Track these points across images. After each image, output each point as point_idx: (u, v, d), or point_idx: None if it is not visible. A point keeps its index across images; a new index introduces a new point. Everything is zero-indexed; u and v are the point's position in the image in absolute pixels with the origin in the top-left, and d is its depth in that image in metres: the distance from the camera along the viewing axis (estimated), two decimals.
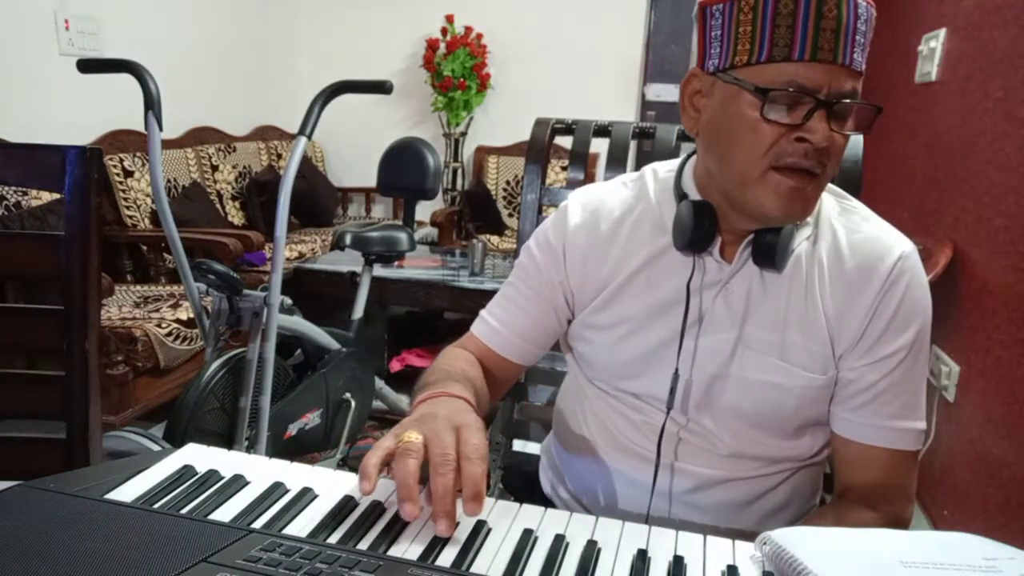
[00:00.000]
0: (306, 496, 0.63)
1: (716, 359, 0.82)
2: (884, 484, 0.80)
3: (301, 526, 0.59)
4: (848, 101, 0.69)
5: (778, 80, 0.68)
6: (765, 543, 0.59)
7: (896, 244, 0.79)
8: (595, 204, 0.89)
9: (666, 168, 0.88)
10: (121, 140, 2.96)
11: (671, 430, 0.85)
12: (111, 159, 2.83)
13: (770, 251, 0.76)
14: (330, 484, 0.65)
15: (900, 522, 0.80)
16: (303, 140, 1.69)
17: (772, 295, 0.80)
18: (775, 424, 0.83)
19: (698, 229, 0.77)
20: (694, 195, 0.81)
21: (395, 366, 2.90)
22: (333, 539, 0.57)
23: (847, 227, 0.81)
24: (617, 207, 0.88)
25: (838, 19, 0.66)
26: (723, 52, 0.71)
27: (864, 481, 0.81)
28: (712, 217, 0.78)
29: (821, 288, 0.79)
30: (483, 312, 0.94)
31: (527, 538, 0.59)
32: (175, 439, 1.65)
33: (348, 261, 2.60)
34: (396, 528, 0.59)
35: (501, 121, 4.26)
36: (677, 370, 0.83)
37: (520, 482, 1.14)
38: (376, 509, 0.62)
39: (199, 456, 0.69)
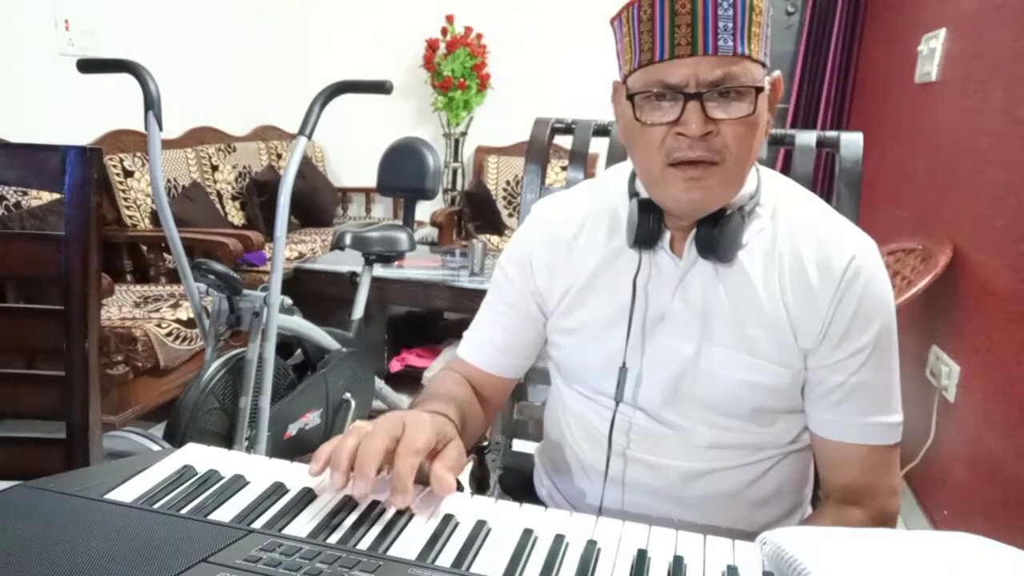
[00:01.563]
0: (306, 496, 0.63)
1: (681, 357, 0.82)
2: (866, 480, 0.81)
3: (301, 526, 0.59)
4: (718, 88, 0.69)
5: (647, 83, 0.71)
6: (765, 543, 0.59)
7: (850, 243, 0.78)
8: (557, 211, 0.91)
9: (626, 169, 0.89)
10: (121, 140, 2.97)
11: (625, 422, 0.86)
12: (111, 159, 2.83)
13: (711, 243, 0.77)
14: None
15: (886, 517, 0.81)
16: (303, 140, 1.69)
17: (730, 290, 0.80)
18: (747, 414, 0.83)
19: (643, 226, 0.79)
20: (644, 194, 0.82)
21: (395, 366, 2.90)
22: (333, 539, 0.57)
23: (805, 225, 0.80)
24: (578, 211, 0.89)
25: (692, 12, 0.68)
26: (620, 64, 0.77)
27: (847, 479, 0.81)
28: (658, 213, 0.79)
29: (781, 283, 0.79)
30: (465, 333, 0.97)
31: (527, 538, 0.59)
32: (175, 439, 1.65)
33: (348, 261, 2.60)
34: (396, 528, 0.59)
35: (501, 121, 4.25)
36: (624, 364, 0.84)
37: (518, 483, 1.14)
38: (376, 509, 0.62)
39: (199, 456, 0.69)
